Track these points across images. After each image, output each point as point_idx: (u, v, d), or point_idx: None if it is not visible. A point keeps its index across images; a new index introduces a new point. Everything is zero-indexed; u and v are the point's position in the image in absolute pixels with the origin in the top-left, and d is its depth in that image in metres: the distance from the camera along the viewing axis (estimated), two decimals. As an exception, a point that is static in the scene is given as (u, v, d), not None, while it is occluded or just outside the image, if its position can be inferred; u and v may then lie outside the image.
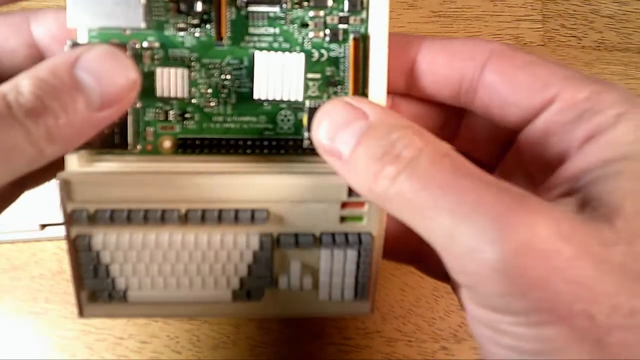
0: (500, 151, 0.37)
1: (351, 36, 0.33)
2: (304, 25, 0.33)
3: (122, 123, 0.32)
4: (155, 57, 0.33)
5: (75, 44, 0.31)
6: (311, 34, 0.33)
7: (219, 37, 0.32)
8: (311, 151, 0.33)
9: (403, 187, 0.27)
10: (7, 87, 0.26)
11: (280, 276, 0.35)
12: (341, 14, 0.33)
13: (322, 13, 0.33)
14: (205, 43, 0.33)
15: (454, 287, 0.38)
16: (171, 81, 0.32)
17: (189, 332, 0.56)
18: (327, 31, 0.33)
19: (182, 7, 0.32)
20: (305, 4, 0.33)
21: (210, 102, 0.33)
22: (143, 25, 0.31)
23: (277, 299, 0.35)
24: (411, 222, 0.28)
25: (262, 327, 0.56)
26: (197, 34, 0.33)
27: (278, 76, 0.32)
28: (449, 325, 0.57)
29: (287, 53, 0.32)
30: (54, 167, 0.31)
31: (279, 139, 0.34)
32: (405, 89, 0.36)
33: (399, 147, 0.28)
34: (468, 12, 0.64)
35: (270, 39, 0.33)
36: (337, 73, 0.34)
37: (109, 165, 0.32)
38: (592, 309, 0.25)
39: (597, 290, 0.25)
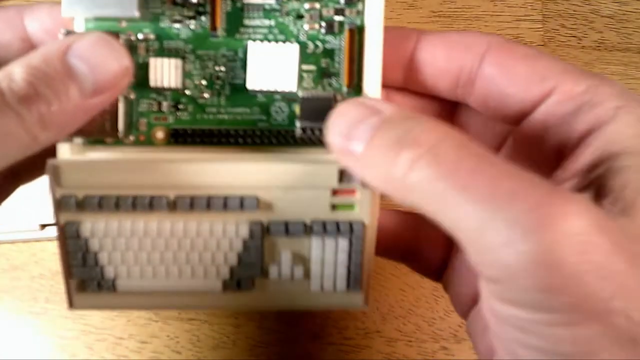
0: (495, 147, 0.36)
1: (346, 27, 0.33)
2: (300, 17, 0.33)
3: (113, 110, 0.32)
4: (150, 48, 0.33)
5: (69, 33, 0.31)
6: (306, 26, 0.33)
7: (214, 28, 0.32)
8: (303, 142, 0.33)
9: (425, 174, 0.26)
10: None
11: (270, 266, 0.35)
12: (337, 6, 0.33)
13: (317, 5, 0.33)
14: (200, 35, 0.33)
15: (447, 287, 0.38)
16: (165, 72, 0.32)
17: (189, 332, 0.56)
18: (323, 23, 0.33)
19: None
20: (301, -5, 0.33)
21: (204, 93, 0.33)
22: (137, 14, 0.31)
23: (268, 289, 0.35)
24: (434, 212, 0.26)
25: (262, 327, 0.56)
26: (192, 26, 0.33)
27: (271, 66, 0.32)
28: (449, 325, 0.57)
29: (280, 43, 0.32)
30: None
31: (273, 130, 0.34)
32: (403, 83, 0.36)
33: (417, 132, 0.27)
34: (468, 12, 0.64)
35: (265, 30, 0.33)
36: (332, 65, 0.34)
37: (100, 154, 0.32)
38: (628, 307, 0.24)
39: (632, 287, 0.24)
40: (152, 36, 0.33)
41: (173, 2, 0.32)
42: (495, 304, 0.27)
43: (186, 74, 0.33)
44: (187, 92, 0.33)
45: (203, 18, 0.33)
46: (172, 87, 0.33)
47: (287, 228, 0.34)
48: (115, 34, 0.31)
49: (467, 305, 0.36)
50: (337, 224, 0.34)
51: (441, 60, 0.34)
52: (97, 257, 0.33)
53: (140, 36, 0.32)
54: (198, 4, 0.33)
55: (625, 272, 0.24)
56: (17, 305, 0.56)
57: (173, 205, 0.33)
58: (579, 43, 0.64)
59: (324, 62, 0.34)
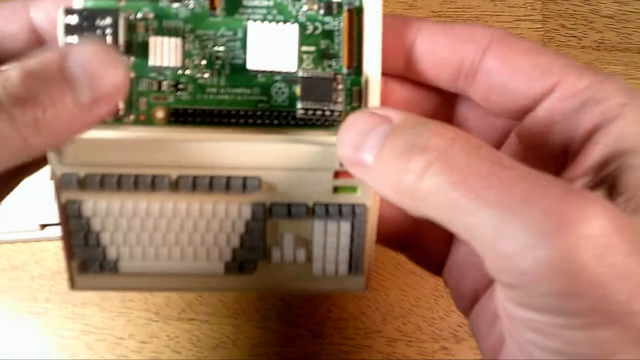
0: (494, 141, 0.36)
1: (345, 8, 0.33)
2: None
3: None
4: (150, 27, 0.33)
5: (68, 12, 0.31)
6: (305, 7, 0.33)
7: (213, 8, 0.32)
8: (304, 123, 0.33)
9: (436, 181, 0.25)
10: None
11: (273, 248, 0.35)
12: None
13: None
14: (199, 14, 0.33)
15: (447, 281, 0.38)
16: (165, 51, 0.32)
17: (189, 332, 0.56)
18: (321, 3, 0.33)
19: None
20: (300, -25, 0.33)
21: (204, 73, 0.33)
22: None
23: (270, 272, 0.35)
24: (447, 220, 0.26)
25: (262, 327, 0.56)
26: (191, 5, 0.33)
27: (272, 46, 0.32)
28: (449, 325, 0.57)
29: (280, 24, 0.32)
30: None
31: (273, 111, 0.33)
32: (404, 71, 0.35)
33: (426, 137, 0.26)
34: (468, 12, 0.64)
35: (264, 11, 0.33)
36: (332, 46, 0.33)
37: (101, 133, 0.32)
38: None
39: None
40: (151, 15, 0.33)
41: None
42: (512, 308, 0.27)
43: (186, 54, 0.33)
44: (187, 71, 0.33)
45: None
46: (171, 67, 0.32)
47: (290, 210, 0.34)
48: (115, 12, 0.31)
49: (468, 301, 0.35)
50: (340, 207, 0.34)
51: (443, 51, 0.34)
52: (99, 237, 0.34)
53: (139, 15, 0.32)
54: None
55: None
56: (17, 305, 0.56)
57: (175, 186, 0.33)
58: (579, 43, 0.64)
59: (323, 44, 0.33)
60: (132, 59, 0.32)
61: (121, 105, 0.33)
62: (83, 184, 0.33)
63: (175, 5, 0.33)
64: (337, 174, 0.33)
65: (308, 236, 0.35)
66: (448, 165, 0.25)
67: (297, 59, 0.32)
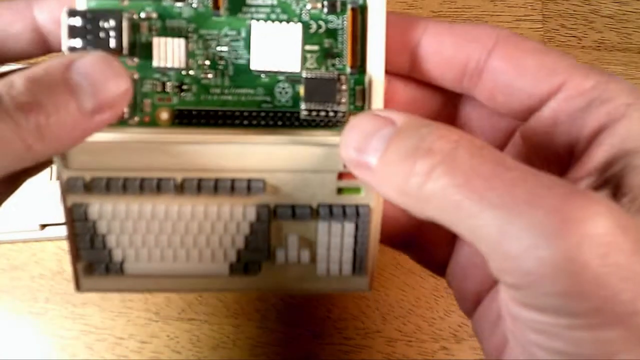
0: (498, 142, 0.36)
1: (349, 6, 0.33)
2: None
3: None
4: (153, 27, 0.33)
5: (71, 14, 0.31)
6: (309, 6, 0.33)
7: (216, 7, 0.32)
8: (308, 124, 0.33)
9: (441, 183, 0.25)
10: (0, 82, 0.27)
11: (277, 249, 0.35)
12: None
13: None
14: (202, 14, 0.33)
15: (450, 282, 0.38)
16: (168, 51, 0.32)
17: (189, 332, 0.56)
18: (325, 2, 0.33)
19: None
20: (303, -26, 0.33)
21: (207, 73, 0.33)
22: None
23: (275, 273, 0.35)
24: (452, 222, 0.26)
25: (262, 327, 0.56)
26: (194, 5, 0.33)
27: (275, 46, 0.32)
28: (449, 325, 0.57)
29: (284, 23, 0.32)
30: None
31: (277, 112, 0.33)
32: (409, 70, 0.35)
33: (430, 140, 0.26)
34: (468, 12, 0.64)
35: (267, 10, 0.33)
36: (336, 45, 0.33)
37: (106, 135, 0.32)
38: None
39: None
40: (154, 15, 0.32)
41: None
42: (515, 308, 0.27)
43: (189, 54, 0.33)
44: (191, 72, 0.33)
45: None
46: (175, 67, 0.32)
47: (294, 211, 0.34)
48: (118, 14, 0.31)
49: (471, 302, 0.35)
50: (344, 208, 0.34)
51: (448, 50, 0.34)
52: (104, 239, 0.34)
53: (142, 15, 0.32)
54: None
55: None
56: (17, 305, 0.56)
57: (180, 188, 0.33)
58: (579, 43, 0.64)
59: (327, 43, 0.33)
60: (136, 60, 0.32)
61: (125, 109, 0.32)
62: (89, 187, 0.33)
63: (179, 4, 0.32)
64: (340, 175, 0.34)
65: (312, 237, 0.35)
66: (452, 167, 0.25)
67: (301, 59, 0.32)
